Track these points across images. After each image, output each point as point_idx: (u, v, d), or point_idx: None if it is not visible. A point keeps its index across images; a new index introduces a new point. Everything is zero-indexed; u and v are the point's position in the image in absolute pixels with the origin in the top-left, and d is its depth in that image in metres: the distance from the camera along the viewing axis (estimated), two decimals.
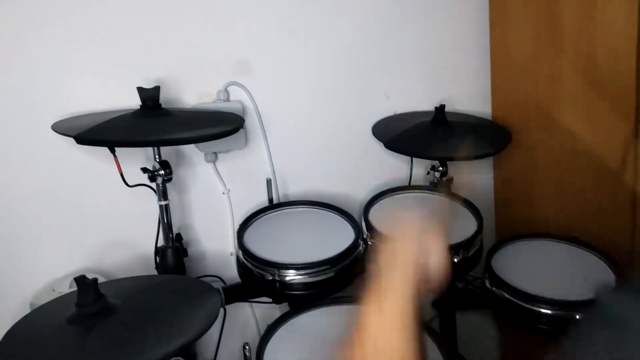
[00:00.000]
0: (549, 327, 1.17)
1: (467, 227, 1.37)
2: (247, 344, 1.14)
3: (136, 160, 1.38)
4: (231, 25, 1.46)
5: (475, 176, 1.80)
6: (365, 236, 1.37)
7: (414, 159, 1.69)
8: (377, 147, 1.58)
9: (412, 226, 0.66)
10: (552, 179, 1.59)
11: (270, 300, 1.34)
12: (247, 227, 1.41)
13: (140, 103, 1.29)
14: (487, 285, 1.29)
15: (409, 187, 1.60)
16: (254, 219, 1.45)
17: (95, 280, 0.96)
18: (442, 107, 1.53)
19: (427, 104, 1.67)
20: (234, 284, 1.41)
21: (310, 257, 1.25)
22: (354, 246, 1.30)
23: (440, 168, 1.58)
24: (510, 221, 1.76)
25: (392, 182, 1.69)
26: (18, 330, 0.98)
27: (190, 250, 1.51)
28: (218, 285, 1.40)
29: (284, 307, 1.37)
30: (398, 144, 1.49)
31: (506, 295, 1.22)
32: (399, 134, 1.51)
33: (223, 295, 1.25)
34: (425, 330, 0.71)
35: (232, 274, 1.49)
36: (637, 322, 0.53)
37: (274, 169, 1.59)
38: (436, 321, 1.64)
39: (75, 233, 1.42)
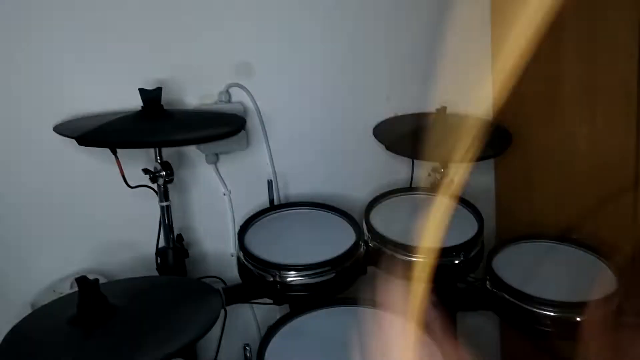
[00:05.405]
0: (550, 329, 1.17)
1: (468, 228, 1.37)
2: (247, 345, 1.14)
3: (137, 161, 1.38)
4: (233, 26, 1.46)
5: (476, 177, 1.80)
6: (366, 238, 1.37)
7: (415, 160, 1.69)
8: (378, 148, 1.58)
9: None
10: (552, 179, 1.58)
11: (271, 301, 1.35)
12: (248, 228, 1.41)
13: (141, 104, 1.29)
14: (488, 286, 1.29)
15: (410, 189, 1.60)
16: (255, 220, 1.45)
17: (97, 280, 0.96)
18: (444, 108, 1.53)
19: (427, 106, 1.67)
20: (235, 285, 1.41)
21: (311, 258, 1.25)
22: (354, 248, 1.30)
23: (442, 170, 1.58)
24: (511, 222, 1.76)
25: (393, 183, 1.68)
26: (19, 330, 0.98)
27: (191, 251, 1.51)
28: (219, 286, 1.39)
29: (285, 309, 1.37)
30: (399, 146, 1.50)
31: (507, 296, 1.22)
32: (400, 135, 1.51)
33: (224, 296, 1.25)
34: None
35: (232, 275, 1.49)
36: None
37: (275, 170, 1.59)
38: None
39: (77, 234, 1.42)
